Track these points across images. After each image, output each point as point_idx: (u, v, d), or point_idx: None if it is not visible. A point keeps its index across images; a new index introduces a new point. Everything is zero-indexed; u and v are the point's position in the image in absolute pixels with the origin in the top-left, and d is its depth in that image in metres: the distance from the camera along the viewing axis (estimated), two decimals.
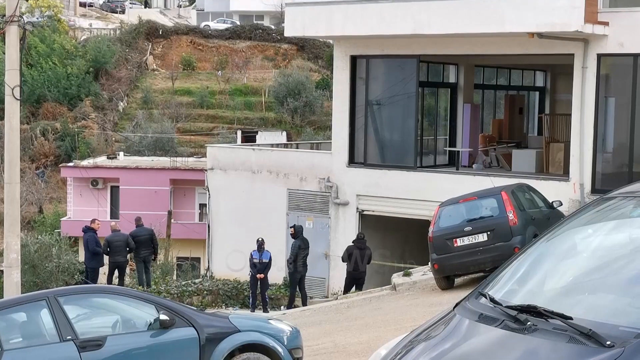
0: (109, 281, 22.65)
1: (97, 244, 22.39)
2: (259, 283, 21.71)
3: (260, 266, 21.58)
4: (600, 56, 21.17)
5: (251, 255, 21.97)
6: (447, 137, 26.24)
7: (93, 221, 23.51)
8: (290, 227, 22.84)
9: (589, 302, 4.27)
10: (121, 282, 22.90)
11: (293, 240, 22.16)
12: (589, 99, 21.31)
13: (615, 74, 22.01)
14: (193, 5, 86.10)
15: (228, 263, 24.62)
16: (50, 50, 58.21)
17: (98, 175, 43.46)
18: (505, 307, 4.33)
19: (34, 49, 57.07)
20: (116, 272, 23.05)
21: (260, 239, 21.89)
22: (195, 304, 20.64)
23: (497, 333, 4.18)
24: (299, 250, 21.56)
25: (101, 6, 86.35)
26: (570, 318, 3.97)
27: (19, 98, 16.44)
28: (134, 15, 74.68)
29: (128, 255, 23.47)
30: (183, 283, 24.70)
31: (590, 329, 3.85)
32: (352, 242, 22.12)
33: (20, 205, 18.14)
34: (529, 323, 4.10)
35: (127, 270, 28.11)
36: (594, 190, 21.17)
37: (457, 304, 4.77)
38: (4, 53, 17.41)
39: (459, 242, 16.83)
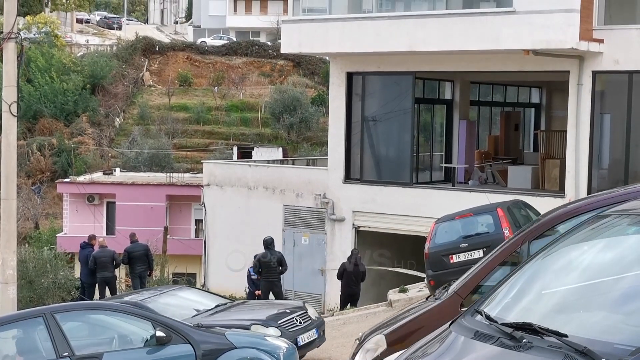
0: (101, 297, 22.64)
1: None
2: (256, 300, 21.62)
3: (258, 283, 21.50)
4: (595, 73, 21.26)
5: (249, 272, 21.87)
6: (443, 153, 26.29)
7: (93, 237, 23.56)
8: None
9: (583, 319, 4.30)
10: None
11: None
12: (585, 115, 21.38)
13: (611, 91, 22.10)
14: (190, 21, 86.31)
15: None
16: (49, 65, 58.30)
17: (94, 191, 43.44)
18: (500, 324, 4.35)
19: (33, 63, 57.18)
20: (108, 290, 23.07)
21: (257, 256, 21.80)
22: None
23: (493, 350, 4.20)
24: (259, 262, 20.80)
25: (98, 22, 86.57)
26: (566, 335, 4.00)
27: (16, 114, 16.47)
28: (130, 31, 74.87)
29: (116, 271, 23.50)
30: None
31: (585, 347, 3.87)
32: (347, 259, 22.05)
33: (17, 221, 18.13)
34: (524, 340, 4.12)
35: (123, 286, 28.10)
36: None
37: (453, 321, 4.79)
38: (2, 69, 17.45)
39: (455, 259, 16.83)
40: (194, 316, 13.81)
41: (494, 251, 8.12)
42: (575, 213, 7.86)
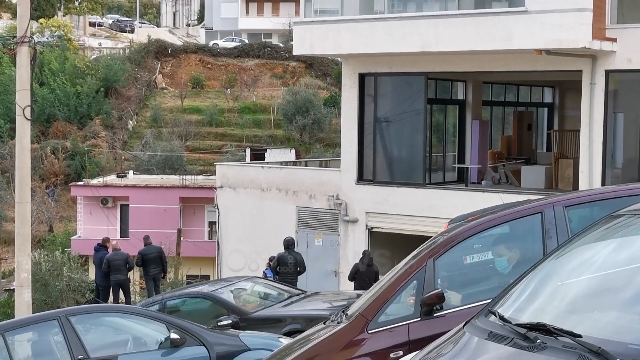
0: (115, 300, 22.74)
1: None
2: None
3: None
4: (608, 72, 21.18)
5: (264, 274, 21.91)
6: (456, 153, 26.24)
7: (107, 240, 23.65)
8: None
9: (597, 320, 4.29)
10: (128, 300, 22.96)
11: None
12: (598, 114, 21.31)
13: (624, 90, 22.02)
14: (202, 24, 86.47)
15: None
16: (62, 68, 58.55)
17: (108, 193, 43.59)
18: (514, 325, 4.35)
19: (47, 66, 57.44)
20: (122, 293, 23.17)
21: (272, 257, 21.84)
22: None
23: (507, 351, 4.20)
24: (278, 262, 20.87)
25: (110, 25, 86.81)
26: (580, 336, 3.99)
27: (29, 118, 16.53)
28: (143, 34, 75.07)
29: (130, 273, 23.59)
30: None
31: (599, 347, 3.87)
32: (359, 260, 22.03)
33: (31, 224, 18.21)
34: (538, 341, 4.12)
35: (137, 288, 28.17)
36: None
37: (466, 322, 4.79)
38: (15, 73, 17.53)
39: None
40: (270, 306, 14.35)
41: (397, 269, 7.56)
42: (481, 228, 7.66)
